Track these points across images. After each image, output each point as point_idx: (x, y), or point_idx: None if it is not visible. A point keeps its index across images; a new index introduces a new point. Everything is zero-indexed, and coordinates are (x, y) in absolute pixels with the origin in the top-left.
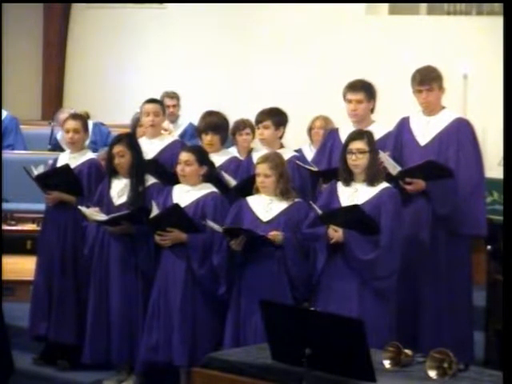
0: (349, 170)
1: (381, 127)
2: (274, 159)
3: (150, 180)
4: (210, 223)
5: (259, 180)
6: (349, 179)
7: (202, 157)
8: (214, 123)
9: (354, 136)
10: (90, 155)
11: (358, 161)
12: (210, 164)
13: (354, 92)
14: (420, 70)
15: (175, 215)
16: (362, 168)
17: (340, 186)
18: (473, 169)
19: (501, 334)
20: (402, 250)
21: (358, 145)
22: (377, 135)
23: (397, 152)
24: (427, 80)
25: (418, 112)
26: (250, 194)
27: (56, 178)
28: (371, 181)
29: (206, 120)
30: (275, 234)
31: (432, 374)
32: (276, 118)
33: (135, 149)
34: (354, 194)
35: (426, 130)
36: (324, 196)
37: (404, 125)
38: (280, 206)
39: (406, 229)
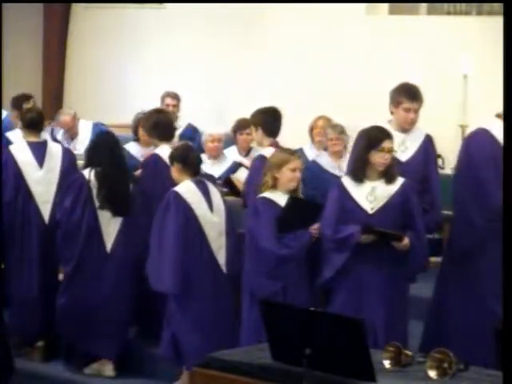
0: (365, 169)
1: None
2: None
3: None
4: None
5: (297, 175)
6: (362, 177)
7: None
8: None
9: (386, 135)
10: None
11: (388, 160)
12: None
13: (416, 101)
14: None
15: None
16: (387, 166)
17: (351, 186)
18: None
19: (500, 333)
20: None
21: (390, 144)
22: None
23: None
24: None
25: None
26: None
27: None
28: (390, 178)
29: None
30: None
31: (432, 373)
32: (254, 120)
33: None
34: (372, 193)
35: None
36: (333, 201)
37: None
38: None
39: None
